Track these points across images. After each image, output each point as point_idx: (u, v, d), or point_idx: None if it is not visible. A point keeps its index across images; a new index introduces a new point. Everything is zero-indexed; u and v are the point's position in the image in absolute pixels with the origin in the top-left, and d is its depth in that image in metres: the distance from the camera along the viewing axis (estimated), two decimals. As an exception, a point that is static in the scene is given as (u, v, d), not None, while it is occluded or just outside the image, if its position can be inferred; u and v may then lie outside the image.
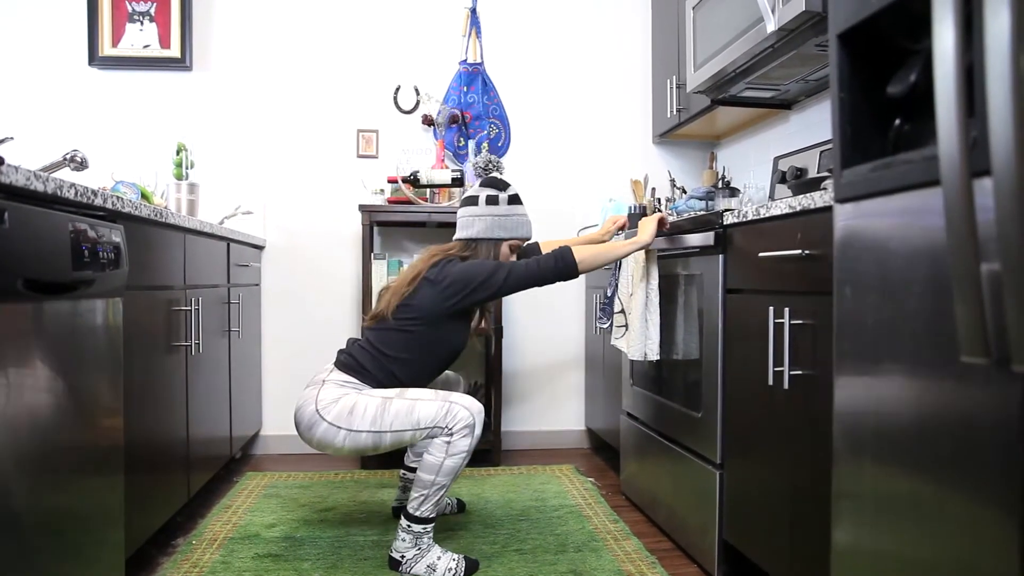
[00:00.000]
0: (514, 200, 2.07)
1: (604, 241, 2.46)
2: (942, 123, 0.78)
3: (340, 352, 2.06)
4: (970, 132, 0.78)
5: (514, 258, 2.13)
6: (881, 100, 1.10)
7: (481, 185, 2.09)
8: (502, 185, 2.08)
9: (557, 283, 2.02)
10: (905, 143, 1.08)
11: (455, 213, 2.15)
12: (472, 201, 2.07)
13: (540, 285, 1.99)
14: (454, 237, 2.11)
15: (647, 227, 2.09)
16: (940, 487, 0.91)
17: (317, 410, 1.88)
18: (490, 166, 2.50)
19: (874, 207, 1.04)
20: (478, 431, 1.86)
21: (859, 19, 1.05)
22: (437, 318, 1.97)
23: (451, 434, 1.83)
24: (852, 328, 1.10)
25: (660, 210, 3.05)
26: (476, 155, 2.17)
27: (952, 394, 0.89)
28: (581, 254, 1.99)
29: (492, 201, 2.04)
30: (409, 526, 1.86)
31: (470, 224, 2.06)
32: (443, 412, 1.84)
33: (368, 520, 2.30)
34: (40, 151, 2.89)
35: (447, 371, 2.28)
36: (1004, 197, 0.71)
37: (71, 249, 1.27)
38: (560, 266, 1.97)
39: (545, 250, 2.38)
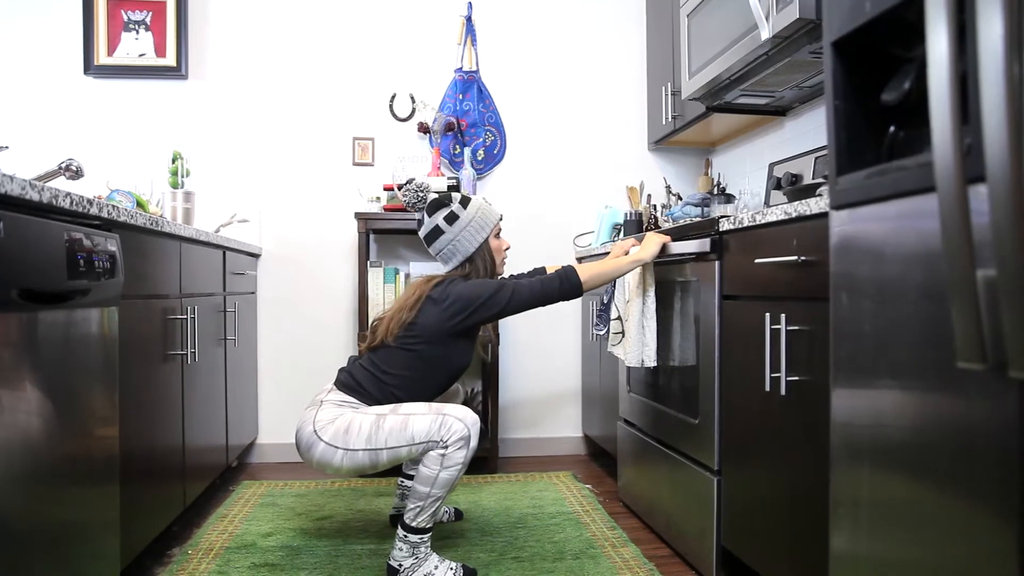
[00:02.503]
0: (465, 201, 2.06)
1: None
2: (936, 130, 0.79)
3: (340, 371, 2.05)
4: (964, 139, 0.79)
5: (506, 247, 2.13)
6: (875, 107, 1.10)
7: (431, 215, 2.04)
8: (447, 199, 2.06)
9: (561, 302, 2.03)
10: (900, 150, 1.08)
11: None
12: (437, 233, 2.03)
13: (544, 305, 2.00)
14: (445, 271, 2.09)
15: (650, 245, 2.10)
16: (938, 493, 0.91)
17: (315, 430, 1.87)
18: (419, 194, 2.34)
19: (869, 213, 1.04)
20: (474, 442, 1.85)
21: (853, 27, 1.06)
22: (440, 337, 1.96)
23: (446, 446, 1.81)
24: (849, 334, 1.10)
25: (656, 217, 3.06)
26: (403, 196, 2.06)
27: (949, 400, 0.89)
28: (585, 273, 2.01)
29: (452, 219, 2.01)
30: (406, 536, 1.86)
31: (452, 252, 2.04)
32: (437, 425, 1.82)
33: (366, 529, 2.29)
34: (35, 160, 2.88)
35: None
36: (999, 203, 0.71)
37: (66, 258, 1.27)
38: (565, 286, 1.98)
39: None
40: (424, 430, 1.82)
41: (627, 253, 2.39)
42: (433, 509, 1.84)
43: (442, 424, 1.82)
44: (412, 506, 1.84)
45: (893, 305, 0.99)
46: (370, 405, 1.94)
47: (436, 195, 2.11)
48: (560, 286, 1.98)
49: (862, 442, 1.06)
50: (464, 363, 2.06)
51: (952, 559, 0.89)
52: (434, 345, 1.96)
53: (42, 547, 1.23)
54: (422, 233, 2.08)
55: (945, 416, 0.90)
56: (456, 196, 2.07)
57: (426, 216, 2.06)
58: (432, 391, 2.03)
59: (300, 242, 3.28)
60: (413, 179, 2.95)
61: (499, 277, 2.14)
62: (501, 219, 2.12)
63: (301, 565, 1.99)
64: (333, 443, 1.84)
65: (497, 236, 2.11)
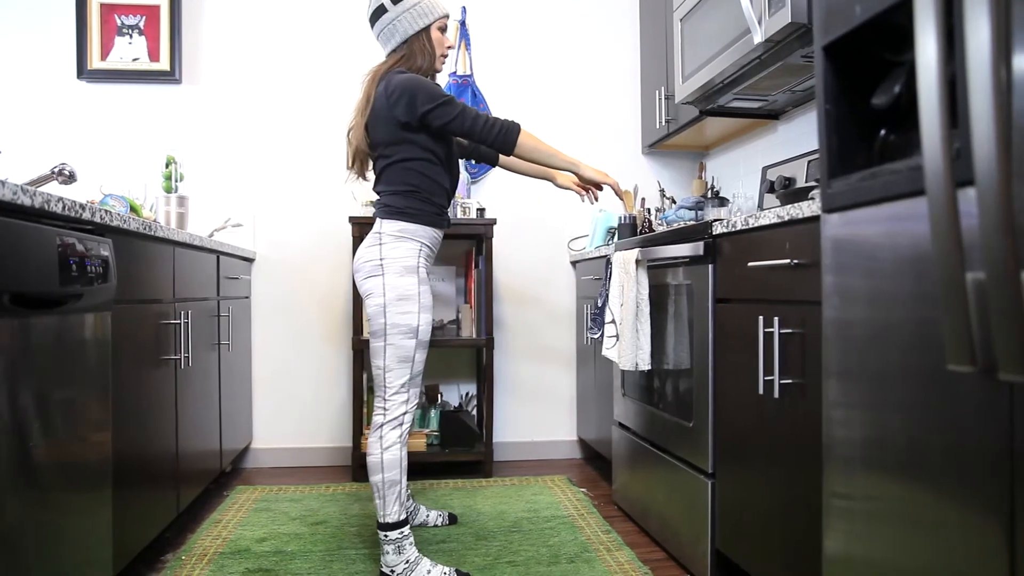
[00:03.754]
0: None
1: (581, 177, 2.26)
2: (926, 134, 0.79)
3: (377, 206, 2.03)
4: (953, 143, 0.79)
5: (448, 44, 2.09)
6: (866, 111, 1.11)
7: None
8: None
9: (490, 149, 2.06)
10: (891, 153, 1.09)
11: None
12: (381, 11, 2.00)
13: (478, 142, 1.99)
14: (384, 52, 2.07)
15: (598, 172, 2.09)
16: (930, 495, 0.92)
17: (381, 260, 1.93)
18: None
19: (861, 216, 1.05)
20: (406, 426, 1.94)
21: (843, 31, 1.06)
22: (401, 135, 1.93)
23: (381, 426, 1.91)
24: (841, 337, 1.10)
25: (651, 220, 3.06)
26: None
27: (940, 403, 0.90)
28: (525, 138, 1.99)
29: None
30: (386, 536, 1.89)
31: (392, 32, 2.01)
32: (398, 384, 1.93)
33: (360, 533, 2.29)
34: (28, 165, 2.88)
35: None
36: (987, 206, 0.71)
37: (59, 263, 1.26)
38: (501, 135, 1.96)
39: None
40: (397, 382, 1.93)
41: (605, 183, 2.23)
42: (394, 496, 1.90)
43: (401, 390, 1.93)
44: (376, 502, 1.91)
45: (885, 308, 1.00)
46: (422, 222, 1.97)
47: None
48: (498, 133, 1.95)
49: (855, 444, 1.07)
50: (447, 150, 2.03)
51: (944, 561, 0.89)
52: (403, 145, 1.95)
53: (34, 552, 1.22)
54: (368, 11, 2.06)
55: (936, 419, 0.90)
56: None
57: None
58: (447, 183, 2.06)
59: (294, 246, 3.28)
60: None
61: (437, 71, 2.10)
62: (447, 17, 2.08)
63: (295, 570, 1.99)
64: (387, 290, 1.91)
65: (441, 31, 2.07)
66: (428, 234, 2.00)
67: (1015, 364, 0.71)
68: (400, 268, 1.93)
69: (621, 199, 2.24)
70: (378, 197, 2.04)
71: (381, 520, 1.90)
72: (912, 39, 0.81)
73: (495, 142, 1.96)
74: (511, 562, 2.05)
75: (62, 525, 1.33)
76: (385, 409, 1.93)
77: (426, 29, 2.02)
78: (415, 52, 2.02)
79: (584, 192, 2.23)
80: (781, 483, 1.55)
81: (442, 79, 3.32)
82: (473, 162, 3.31)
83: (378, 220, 1.99)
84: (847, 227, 1.08)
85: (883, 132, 1.11)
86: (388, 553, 1.88)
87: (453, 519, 2.40)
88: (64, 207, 1.35)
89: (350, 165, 2.10)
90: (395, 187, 1.97)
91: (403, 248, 1.94)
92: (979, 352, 0.78)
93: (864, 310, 1.04)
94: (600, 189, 2.17)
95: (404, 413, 1.94)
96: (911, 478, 0.95)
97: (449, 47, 2.11)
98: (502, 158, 2.34)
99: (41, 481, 1.25)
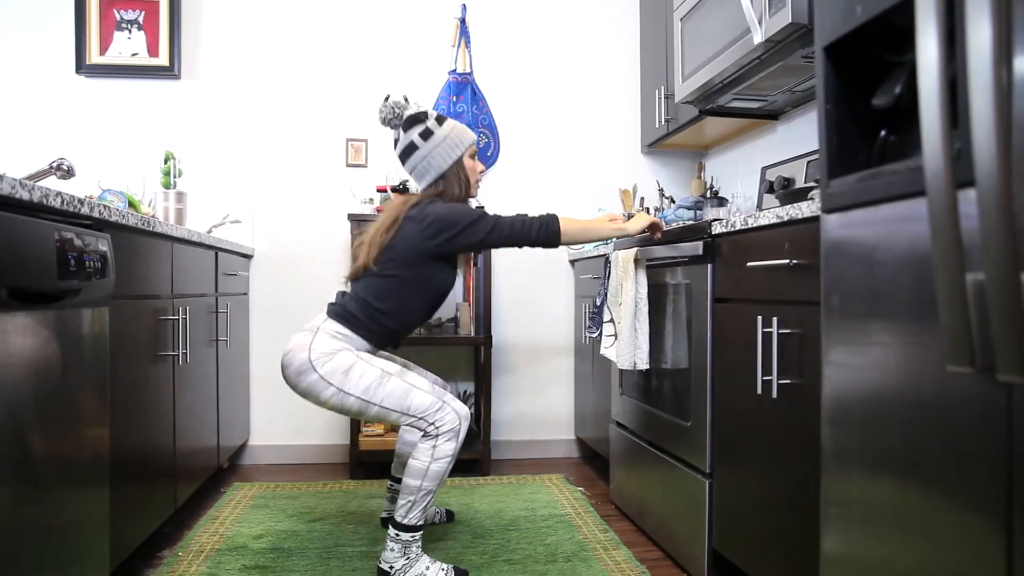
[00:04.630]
0: (440, 119, 2.05)
1: (629, 235, 2.33)
2: (926, 134, 0.79)
3: (330, 304, 2.03)
4: (954, 143, 0.79)
5: (480, 169, 2.12)
6: (867, 111, 1.11)
7: (406, 130, 2.03)
8: (422, 116, 2.04)
9: (538, 249, 2.02)
10: (891, 154, 1.09)
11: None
12: (412, 149, 2.01)
13: (521, 246, 2.00)
14: (420, 188, 2.08)
15: (640, 220, 2.09)
16: (928, 496, 0.92)
17: (310, 359, 1.87)
18: (396, 110, 2.14)
19: (861, 217, 1.05)
20: (462, 435, 1.87)
21: (844, 32, 1.06)
22: (420, 258, 1.95)
23: (436, 436, 1.83)
24: (840, 338, 1.10)
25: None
26: (380, 112, 2.03)
27: (938, 404, 0.90)
28: (566, 225, 2.00)
29: (428, 135, 2.00)
30: (398, 535, 1.85)
31: (426, 169, 2.02)
32: (435, 408, 1.84)
33: (357, 531, 2.29)
34: (26, 159, 2.87)
35: (436, 377, 2.27)
36: (988, 207, 0.71)
37: (57, 258, 1.26)
38: (543, 232, 1.97)
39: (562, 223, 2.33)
40: (423, 407, 1.84)
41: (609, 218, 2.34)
42: (424, 504, 1.85)
43: (440, 408, 1.84)
44: (403, 502, 1.84)
45: (884, 308, 1.00)
46: (364, 336, 1.94)
47: (411, 108, 2.08)
48: (539, 231, 1.97)
49: (853, 445, 1.07)
50: (448, 283, 2.06)
51: (941, 562, 0.89)
52: (413, 267, 1.96)
53: (30, 548, 1.22)
54: (398, 150, 2.06)
55: (934, 419, 0.90)
56: (432, 113, 2.06)
57: (401, 132, 2.05)
58: (421, 314, 2.04)
59: (293, 243, 3.28)
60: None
61: (477, 206, 2.12)
62: (474, 142, 2.10)
63: (292, 567, 1.99)
64: (328, 379, 1.85)
65: (472, 157, 2.09)
66: (362, 346, 1.98)
67: (1014, 365, 0.71)
68: (328, 354, 1.88)
69: (653, 234, 2.17)
70: (342, 296, 2.04)
71: (400, 520, 1.85)
72: (913, 39, 0.81)
73: (538, 241, 1.98)
74: (508, 560, 2.05)
75: (59, 520, 1.33)
76: (437, 427, 1.85)
77: (459, 160, 2.04)
78: (451, 183, 2.04)
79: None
80: (779, 483, 1.55)
81: (441, 77, 3.33)
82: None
83: (323, 316, 1.99)
84: (846, 228, 1.08)
85: (883, 133, 1.11)
86: (392, 549, 1.86)
87: (450, 516, 2.40)
88: (62, 202, 1.35)
89: (348, 277, 2.08)
90: (365, 297, 1.97)
91: (333, 343, 1.91)
92: (978, 353, 0.78)
93: (863, 310, 1.04)
94: (654, 231, 2.12)
95: (458, 423, 1.85)
96: (909, 479, 0.95)
97: (482, 171, 2.14)
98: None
99: (38, 476, 1.25)
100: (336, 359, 1.87)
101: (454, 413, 1.86)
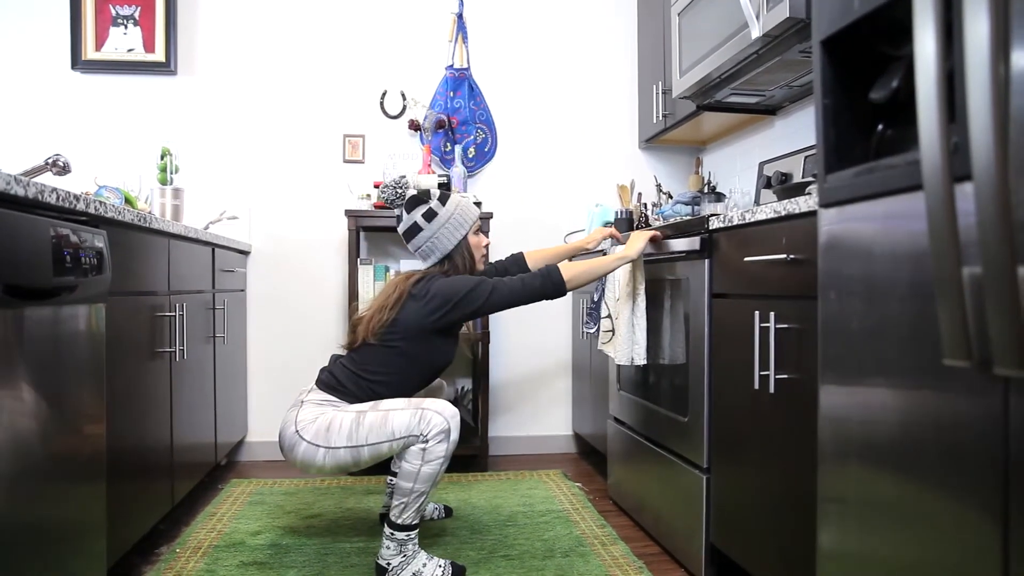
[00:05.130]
0: (444, 198, 2.05)
1: (588, 250, 2.45)
2: (924, 129, 0.79)
3: (321, 371, 2.03)
4: (951, 137, 0.79)
5: (485, 243, 2.13)
6: (864, 106, 1.11)
7: (409, 211, 2.03)
8: (425, 196, 2.05)
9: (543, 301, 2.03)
10: (888, 148, 1.09)
11: None
12: (415, 230, 2.02)
13: (526, 303, 1.99)
14: (424, 266, 2.08)
15: (636, 242, 2.10)
16: (924, 490, 0.92)
17: (296, 430, 1.86)
18: (398, 190, 2.25)
19: (858, 212, 1.05)
20: (454, 435, 1.84)
21: (842, 25, 1.06)
22: (421, 334, 1.95)
23: (427, 441, 1.81)
24: (837, 332, 1.10)
25: (647, 216, 3.06)
26: (382, 193, 2.06)
27: (936, 397, 0.90)
28: (569, 272, 1.99)
29: (431, 216, 2.01)
30: (392, 534, 1.85)
31: (431, 249, 2.03)
32: (416, 420, 1.82)
33: (355, 527, 2.29)
34: (22, 155, 2.87)
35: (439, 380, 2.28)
36: (985, 201, 0.71)
37: (52, 254, 1.26)
38: (547, 285, 1.97)
39: (530, 260, 2.37)
40: (404, 425, 1.82)
41: (604, 236, 2.40)
42: (418, 505, 1.84)
43: (421, 418, 1.82)
44: (397, 503, 1.84)
45: (881, 303, 1.00)
46: (351, 403, 1.94)
47: (412, 189, 2.10)
48: (542, 285, 1.97)
49: (850, 439, 1.07)
50: (446, 360, 2.06)
51: (938, 555, 0.89)
52: (415, 342, 1.96)
53: (27, 545, 1.22)
54: (401, 230, 2.07)
55: (932, 413, 0.91)
56: (435, 193, 2.06)
57: (404, 212, 2.05)
58: (414, 387, 2.04)
59: (290, 239, 3.27)
60: (404, 176, 2.94)
61: (479, 271, 2.14)
62: (479, 216, 2.11)
63: (290, 564, 1.99)
64: (315, 442, 1.84)
65: (476, 233, 2.10)
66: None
67: (1010, 359, 0.72)
68: (311, 419, 1.87)
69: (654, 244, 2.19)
70: (332, 364, 2.03)
71: (394, 519, 1.85)
72: (911, 33, 0.81)
73: (544, 296, 1.98)
74: (506, 556, 2.05)
75: (56, 517, 1.33)
76: (426, 435, 1.81)
77: (463, 239, 2.05)
78: (456, 262, 2.04)
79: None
80: (776, 478, 1.55)
81: (439, 73, 3.32)
82: (470, 154, 3.31)
83: (311, 386, 1.99)
84: (844, 222, 1.08)
85: (881, 127, 1.11)
86: (388, 548, 1.86)
87: (448, 512, 2.40)
88: (58, 198, 1.35)
89: (345, 347, 2.07)
90: (360, 368, 1.96)
91: (317, 411, 1.90)
92: (975, 347, 0.78)
93: (860, 305, 1.04)
94: (654, 242, 2.14)
95: (446, 424, 1.82)
96: (906, 472, 0.95)
97: (486, 245, 2.15)
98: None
99: (35, 473, 1.25)
100: (318, 422, 1.86)
101: (438, 416, 1.82)
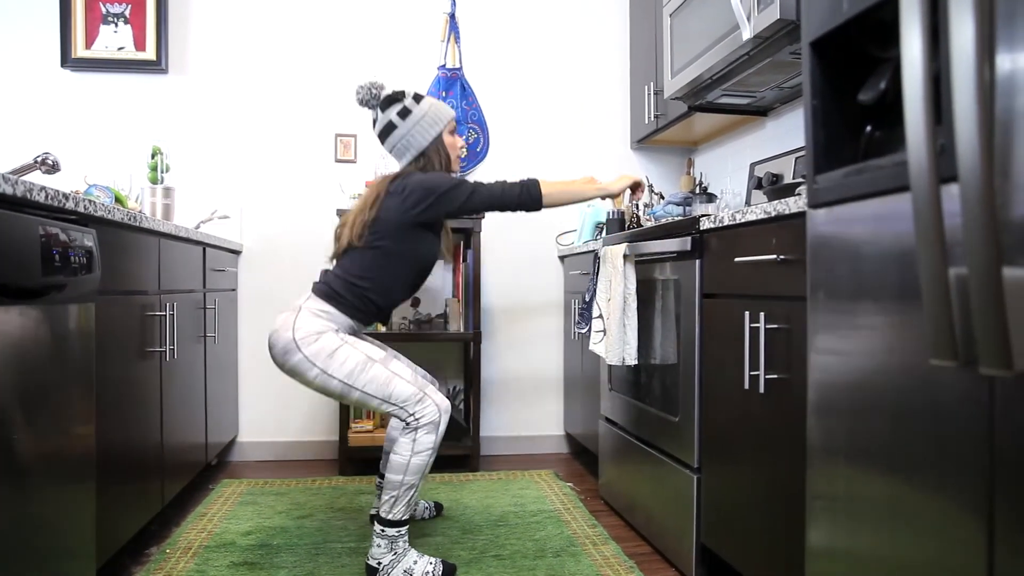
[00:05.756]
0: (418, 97, 2.06)
1: (612, 194, 2.23)
2: (911, 131, 0.80)
3: (315, 283, 2.02)
4: (938, 139, 0.80)
5: (460, 144, 2.12)
6: (853, 107, 1.12)
7: (384, 110, 2.04)
8: (400, 95, 2.05)
9: (520, 212, 2.03)
10: (876, 149, 1.10)
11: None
12: (391, 128, 2.03)
13: (503, 210, 2.01)
14: (400, 166, 2.09)
15: (619, 181, 2.12)
16: (912, 489, 0.92)
17: (295, 339, 1.87)
18: (373, 91, 2.08)
19: (847, 212, 1.06)
20: (442, 428, 1.88)
21: (830, 27, 1.07)
22: (403, 230, 1.95)
23: (416, 429, 1.84)
24: (825, 332, 1.11)
25: (639, 216, 3.07)
26: (356, 94, 2.06)
27: (922, 397, 0.91)
28: (548, 188, 2.01)
29: (405, 113, 2.02)
30: (383, 531, 1.86)
31: (406, 147, 2.04)
32: (416, 398, 1.85)
33: (346, 527, 2.29)
34: (11, 154, 2.85)
35: (424, 371, 2.27)
36: (970, 203, 0.72)
37: (41, 253, 1.25)
38: (524, 196, 1.98)
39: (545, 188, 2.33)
40: (404, 395, 1.85)
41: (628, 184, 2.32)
42: (408, 498, 1.85)
43: (420, 400, 1.85)
44: (387, 497, 1.86)
45: (869, 303, 1.00)
46: (348, 314, 1.95)
47: (388, 90, 2.09)
48: (519, 195, 1.98)
49: (838, 438, 1.08)
50: (431, 255, 2.06)
51: (925, 553, 0.90)
52: (398, 239, 1.96)
53: (16, 545, 1.21)
54: (376, 130, 2.07)
55: (918, 412, 0.91)
56: (409, 91, 2.07)
57: (379, 112, 2.06)
58: (405, 288, 2.05)
59: (282, 239, 3.26)
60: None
61: (455, 172, 2.13)
62: (453, 119, 2.11)
63: (280, 564, 1.98)
64: (313, 360, 1.86)
65: (452, 134, 2.10)
66: (346, 324, 1.98)
67: (996, 358, 0.72)
68: (313, 335, 1.89)
69: (635, 193, 2.21)
70: (325, 274, 2.03)
71: (384, 515, 1.86)
72: (898, 35, 0.82)
73: (520, 205, 1.99)
74: (497, 556, 2.05)
75: (45, 517, 1.32)
76: (417, 418, 1.85)
77: (438, 137, 2.05)
78: (432, 160, 2.05)
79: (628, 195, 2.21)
80: (766, 477, 1.56)
81: (431, 73, 3.32)
82: (462, 155, 3.31)
83: (308, 294, 1.99)
84: (833, 223, 1.09)
85: (869, 128, 1.12)
86: (379, 546, 1.86)
87: (439, 509, 2.41)
88: (47, 196, 1.34)
89: (332, 257, 2.08)
90: (348, 273, 1.97)
91: (317, 323, 1.91)
92: (961, 347, 0.79)
93: (849, 305, 1.05)
94: (636, 191, 2.17)
95: (438, 415, 1.86)
96: (893, 472, 0.96)
97: (462, 147, 2.13)
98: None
99: (24, 473, 1.24)
100: (321, 340, 1.87)
101: (434, 406, 1.86)
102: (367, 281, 1.97)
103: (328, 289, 1.97)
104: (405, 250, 1.99)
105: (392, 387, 1.86)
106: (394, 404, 1.86)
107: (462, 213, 1.99)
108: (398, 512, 1.85)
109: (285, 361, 1.90)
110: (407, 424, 1.87)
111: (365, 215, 1.96)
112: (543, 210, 2.06)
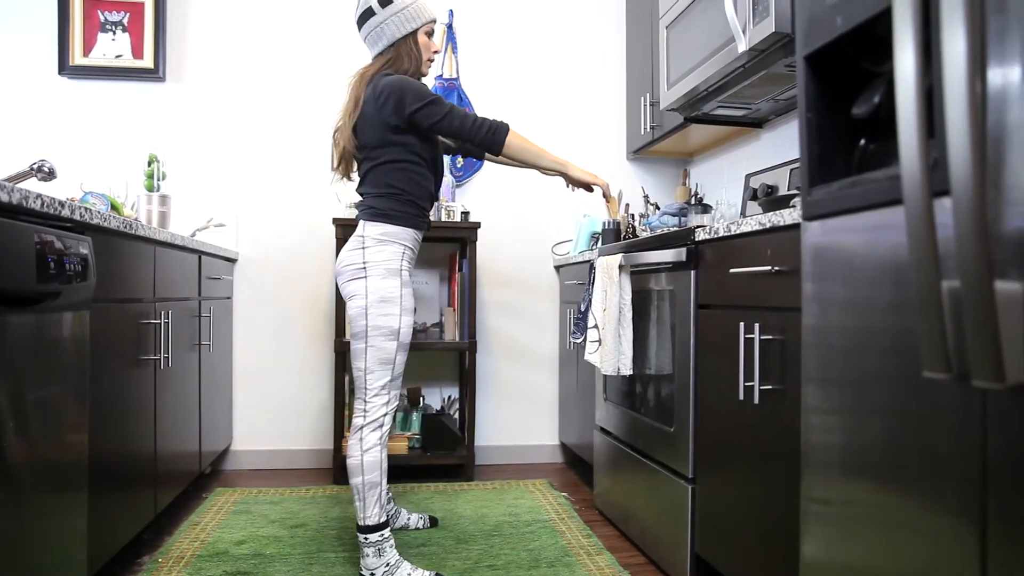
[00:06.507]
0: None
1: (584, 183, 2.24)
2: (904, 144, 0.80)
3: (359, 211, 2.03)
4: (931, 153, 0.80)
5: (434, 49, 2.11)
6: (847, 120, 1.13)
7: None
8: None
9: (480, 149, 2.06)
10: (870, 162, 1.10)
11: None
12: (369, 14, 2.02)
13: (465, 141, 2.01)
14: (371, 55, 2.09)
15: (587, 174, 2.13)
16: (906, 500, 0.93)
17: (364, 261, 1.93)
18: None
19: (840, 225, 1.06)
20: (386, 428, 1.94)
21: (825, 42, 1.08)
22: (389, 134, 1.94)
23: (361, 428, 1.91)
24: (820, 343, 1.11)
25: (635, 226, 3.08)
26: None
27: (916, 408, 0.91)
28: (514, 139, 2.01)
29: (386, 2, 2.00)
30: (366, 539, 1.89)
31: (379, 35, 2.03)
32: (382, 389, 1.93)
33: (339, 536, 2.28)
34: (7, 161, 2.84)
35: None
36: (963, 216, 0.73)
37: (36, 261, 1.25)
38: (490, 135, 1.98)
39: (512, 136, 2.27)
40: (378, 381, 1.93)
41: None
42: (374, 498, 1.89)
43: (378, 395, 1.93)
44: (356, 504, 1.91)
45: (863, 315, 1.01)
46: (403, 224, 1.97)
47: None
48: (487, 133, 1.97)
49: (833, 450, 1.08)
50: (433, 150, 2.05)
51: (919, 562, 0.90)
52: (393, 147, 1.96)
53: (7, 553, 1.20)
54: (356, 14, 2.07)
55: (912, 424, 0.92)
56: None
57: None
58: (432, 183, 2.07)
59: (277, 247, 3.26)
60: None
61: (423, 75, 2.13)
62: (434, 21, 2.10)
63: (274, 573, 1.97)
64: (370, 292, 1.91)
65: (429, 36, 2.09)
66: (410, 236, 2.00)
67: (988, 371, 0.73)
68: (383, 271, 1.93)
69: (607, 201, 2.24)
70: (361, 199, 2.04)
71: (361, 523, 1.90)
72: (891, 50, 0.82)
73: (483, 142, 1.98)
74: (491, 566, 2.05)
75: (37, 526, 1.32)
76: (365, 411, 1.92)
77: (413, 33, 2.04)
78: (402, 55, 2.03)
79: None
80: (760, 488, 1.56)
81: (428, 82, 3.32)
82: (459, 164, 3.32)
83: (361, 223, 1.99)
84: (827, 235, 1.10)
85: (863, 141, 1.13)
86: (368, 556, 1.88)
87: (434, 522, 2.40)
88: (43, 204, 1.34)
89: (335, 166, 2.10)
90: (379, 189, 1.98)
91: (386, 251, 1.94)
92: (954, 359, 0.79)
93: (843, 317, 1.06)
94: (590, 191, 2.18)
95: (385, 415, 1.93)
96: (888, 483, 0.96)
97: (436, 52, 2.13)
98: (489, 155, 2.31)
99: (16, 481, 1.24)
100: (387, 282, 1.92)
101: (386, 406, 1.93)
102: (398, 190, 1.97)
103: (376, 211, 1.98)
104: (407, 153, 1.98)
105: (381, 367, 1.92)
106: (365, 383, 1.92)
107: (431, 132, 1.99)
108: (371, 515, 1.89)
109: (347, 284, 1.95)
110: (356, 418, 1.93)
111: (351, 118, 1.98)
112: (499, 157, 2.09)
